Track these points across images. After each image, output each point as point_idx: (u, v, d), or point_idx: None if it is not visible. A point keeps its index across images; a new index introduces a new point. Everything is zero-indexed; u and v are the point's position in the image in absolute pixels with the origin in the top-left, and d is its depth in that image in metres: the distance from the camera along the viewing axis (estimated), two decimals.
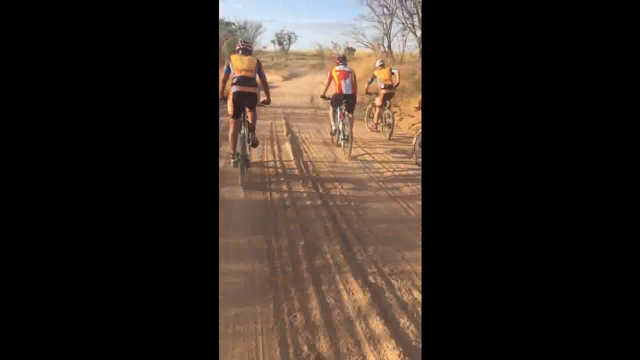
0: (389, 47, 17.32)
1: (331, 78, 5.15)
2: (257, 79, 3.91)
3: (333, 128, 5.35)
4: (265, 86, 4.04)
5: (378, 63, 6.52)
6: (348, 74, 5.06)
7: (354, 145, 5.14)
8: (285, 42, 40.24)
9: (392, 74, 6.22)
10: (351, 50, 28.79)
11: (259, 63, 3.94)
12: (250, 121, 3.89)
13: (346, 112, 4.98)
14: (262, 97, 3.98)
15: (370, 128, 6.62)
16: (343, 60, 5.27)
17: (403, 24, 16.25)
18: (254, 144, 4.04)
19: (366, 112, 7.08)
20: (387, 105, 6.15)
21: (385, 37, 17.39)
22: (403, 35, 16.59)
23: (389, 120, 6.15)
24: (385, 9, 16.83)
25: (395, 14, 16.40)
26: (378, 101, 6.22)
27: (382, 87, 6.06)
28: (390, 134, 6.13)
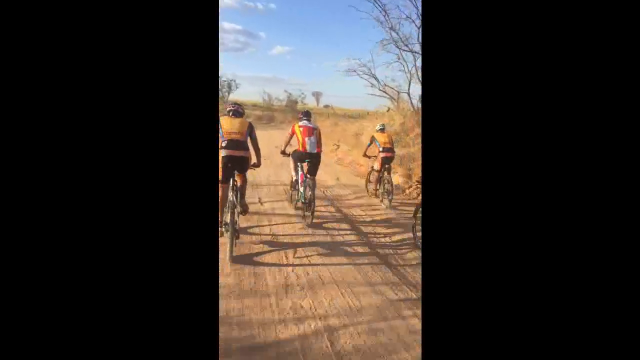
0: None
1: (293, 134, 4.64)
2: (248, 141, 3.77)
3: (293, 179, 4.77)
4: (256, 149, 3.89)
5: (378, 127, 6.36)
6: (312, 131, 4.58)
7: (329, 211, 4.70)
8: (224, 90, 32.20)
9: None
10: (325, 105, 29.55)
11: (251, 126, 3.81)
12: (239, 186, 3.66)
13: (308, 175, 4.50)
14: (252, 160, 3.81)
15: (370, 193, 6.43)
16: (307, 115, 4.81)
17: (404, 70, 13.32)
18: (244, 210, 3.77)
19: (366, 176, 6.78)
20: (386, 169, 6.00)
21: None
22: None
23: (388, 186, 5.81)
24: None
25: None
26: (376, 165, 6.03)
27: (381, 149, 5.86)
28: (390, 201, 5.75)
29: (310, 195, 4.40)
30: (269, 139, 10.95)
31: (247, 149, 3.71)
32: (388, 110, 13.74)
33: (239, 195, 3.56)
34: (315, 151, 4.54)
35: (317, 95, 39.09)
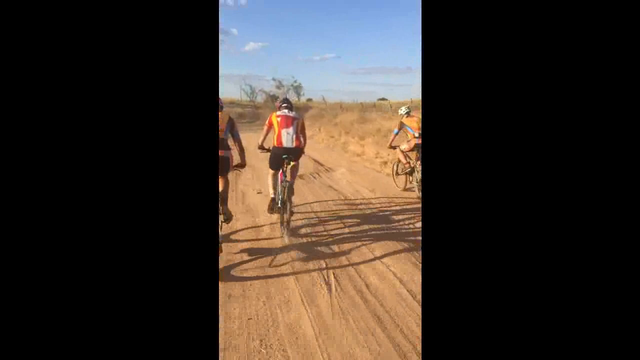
0: None
1: (270, 125, 3.71)
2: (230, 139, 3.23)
3: (272, 196, 3.70)
4: (240, 147, 3.32)
5: (404, 110, 5.24)
6: (292, 121, 3.63)
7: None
8: None
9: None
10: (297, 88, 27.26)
11: (231, 120, 3.25)
12: (220, 190, 3.11)
13: (287, 171, 3.56)
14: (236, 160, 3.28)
15: (399, 186, 5.50)
16: (287, 102, 3.87)
17: None
18: (227, 219, 3.22)
19: (392, 167, 5.63)
20: (420, 158, 5.09)
21: None
22: None
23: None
24: None
25: None
26: (406, 147, 5.06)
27: (416, 135, 4.90)
28: None
29: (287, 194, 3.45)
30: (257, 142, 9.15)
31: (227, 147, 3.19)
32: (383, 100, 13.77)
33: (218, 201, 2.97)
34: (293, 146, 3.57)
35: (297, 89, 32.81)
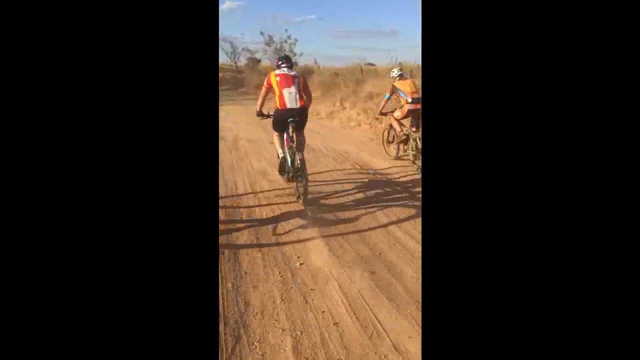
0: None
1: (269, 86, 3.45)
2: None
3: (280, 156, 3.57)
4: None
5: (395, 73, 4.79)
6: (293, 80, 3.38)
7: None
8: None
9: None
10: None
11: None
12: None
13: (293, 136, 3.35)
14: None
15: (390, 155, 5.15)
16: (286, 60, 3.59)
17: None
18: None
19: (383, 134, 5.29)
20: (416, 125, 4.71)
21: None
22: None
23: (420, 146, 4.39)
24: None
25: None
26: (399, 114, 4.66)
27: (409, 100, 4.47)
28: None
29: (300, 163, 3.21)
30: (248, 116, 7.74)
31: None
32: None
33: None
34: (298, 105, 3.33)
35: (292, 46, 24.07)
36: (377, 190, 3.84)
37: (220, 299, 2.01)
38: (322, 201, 3.46)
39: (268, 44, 23.55)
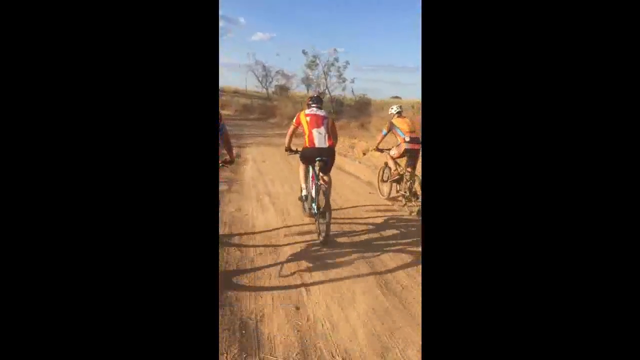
0: None
1: (298, 124, 3.57)
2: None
3: (304, 193, 3.67)
4: (228, 143, 2.97)
5: (394, 110, 4.62)
6: (322, 120, 3.48)
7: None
8: None
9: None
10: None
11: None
12: None
13: (320, 174, 3.36)
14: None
15: (383, 195, 4.85)
16: (317, 101, 3.68)
17: None
18: None
19: (378, 173, 5.04)
20: (411, 165, 4.42)
21: None
22: None
23: (414, 188, 4.15)
24: None
25: None
26: (395, 153, 4.45)
27: (407, 139, 4.27)
28: (419, 210, 4.04)
29: (325, 202, 3.17)
30: (284, 161, 6.76)
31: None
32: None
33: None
34: (327, 145, 3.40)
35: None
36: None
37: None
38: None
39: (311, 66, 18.23)
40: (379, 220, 3.92)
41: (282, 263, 2.75)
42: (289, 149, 3.71)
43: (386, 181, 4.81)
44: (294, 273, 2.60)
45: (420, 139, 4.38)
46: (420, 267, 2.78)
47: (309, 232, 3.42)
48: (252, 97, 21.73)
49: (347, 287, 2.42)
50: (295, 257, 2.87)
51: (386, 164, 4.73)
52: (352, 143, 9.12)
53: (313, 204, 3.44)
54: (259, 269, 2.63)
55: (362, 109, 15.09)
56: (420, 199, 4.10)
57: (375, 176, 5.28)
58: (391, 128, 4.48)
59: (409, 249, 3.15)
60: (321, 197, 3.28)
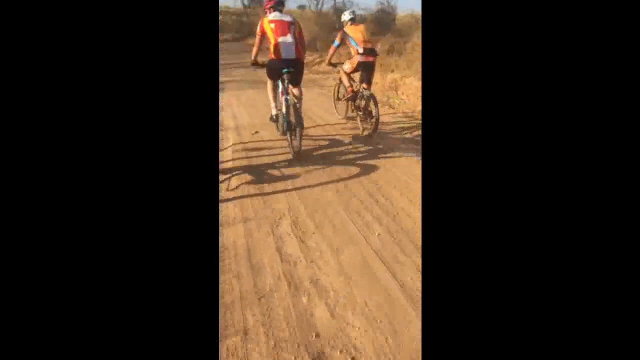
0: None
1: (263, 33, 3.14)
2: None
3: (274, 112, 3.42)
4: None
5: (347, 16, 4.00)
6: (288, 27, 3.09)
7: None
8: None
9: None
10: None
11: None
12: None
13: (289, 87, 3.12)
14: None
15: (340, 114, 4.48)
16: (278, 4, 3.20)
17: None
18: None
19: (333, 90, 4.64)
20: (366, 80, 3.98)
21: None
22: None
23: (371, 106, 3.69)
24: None
25: None
26: (348, 67, 3.92)
27: (360, 50, 3.75)
28: (374, 129, 3.68)
29: (296, 117, 3.00)
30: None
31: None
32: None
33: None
34: (294, 57, 3.08)
35: None
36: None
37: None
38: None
39: None
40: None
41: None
42: (255, 63, 3.30)
43: (341, 99, 4.42)
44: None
45: (376, 50, 3.89)
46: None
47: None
48: (225, 13, 18.06)
49: None
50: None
51: (340, 80, 4.29)
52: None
53: (284, 121, 3.16)
54: None
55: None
56: (375, 118, 3.72)
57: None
58: (344, 38, 3.95)
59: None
60: (291, 112, 3.03)
